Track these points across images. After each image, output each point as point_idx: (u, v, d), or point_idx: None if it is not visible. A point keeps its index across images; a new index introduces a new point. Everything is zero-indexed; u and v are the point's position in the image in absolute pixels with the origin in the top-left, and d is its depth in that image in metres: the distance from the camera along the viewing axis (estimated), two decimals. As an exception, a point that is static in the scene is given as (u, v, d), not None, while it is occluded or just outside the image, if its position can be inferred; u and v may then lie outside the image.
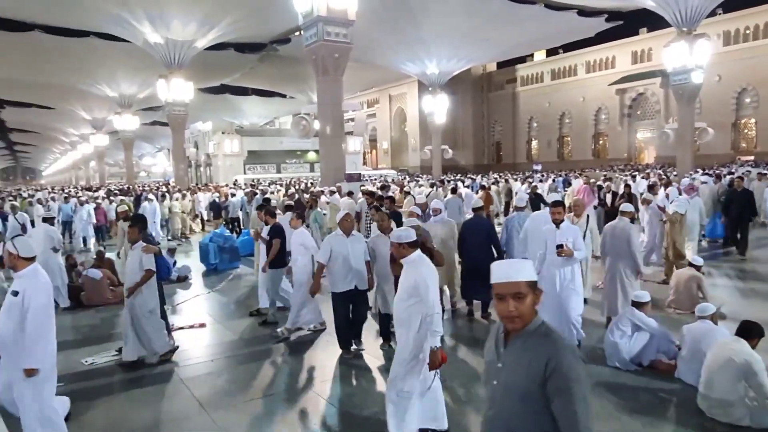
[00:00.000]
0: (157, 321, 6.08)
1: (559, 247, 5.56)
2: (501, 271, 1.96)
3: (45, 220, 9.32)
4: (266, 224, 7.58)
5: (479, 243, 7.05)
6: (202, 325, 7.63)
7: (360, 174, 20.57)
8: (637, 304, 5.50)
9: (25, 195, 26.76)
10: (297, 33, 29.22)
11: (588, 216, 7.81)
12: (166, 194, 19.46)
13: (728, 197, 11.29)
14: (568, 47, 46.52)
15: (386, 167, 59.18)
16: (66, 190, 32.23)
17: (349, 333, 6.05)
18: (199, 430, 4.58)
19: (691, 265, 7.45)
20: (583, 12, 29.79)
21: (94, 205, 16.83)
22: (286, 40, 31.64)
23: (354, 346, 6.09)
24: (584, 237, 7.01)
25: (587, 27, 32.69)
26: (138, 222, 6.28)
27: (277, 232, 7.30)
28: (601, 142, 53.77)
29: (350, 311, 6.03)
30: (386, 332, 6.22)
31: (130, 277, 5.94)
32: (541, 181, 23.41)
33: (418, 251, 4.22)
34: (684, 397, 4.68)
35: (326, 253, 5.85)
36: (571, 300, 5.68)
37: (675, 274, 7.61)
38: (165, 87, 27.56)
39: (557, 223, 5.77)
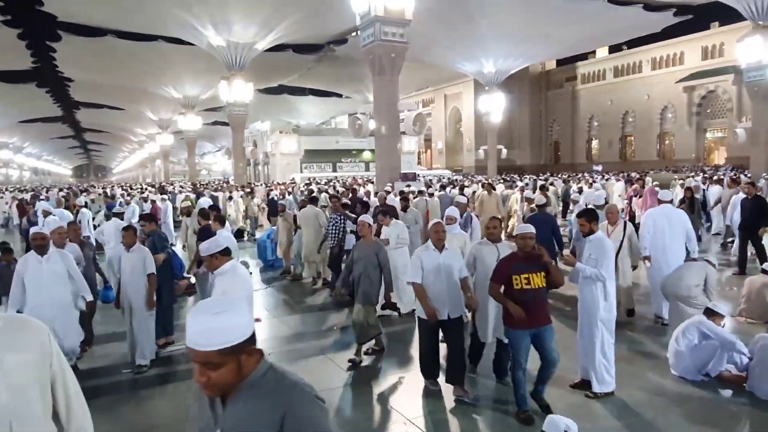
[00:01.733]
0: (151, 325, 6.03)
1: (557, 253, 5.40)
2: (191, 331, 1.50)
3: (116, 214, 9.82)
4: None
5: (543, 237, 7.03)
6: (258, 320, 7.84)
7: (415, 173, 20.54)
8: (710, 313, 5.20)
9: (100, 191, 28.28)
10: (354, 33, 29.59)
11: (626, 224, 7.08)
12: (234, 192, 19.92)
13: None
14: (633, 43, 44.75)
15: (441, 167, 58.87)
16: (132, 188, 33.89)
17: (436, 363, 5.07)
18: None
19: (763, 271, 7.01)
20: (650, 6, 28.56)
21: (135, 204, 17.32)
22: (343, 40, 32.04)
23: (457, 394, 4.81)
24: (620, 249, 6.59)
25: (653, 22, 31.31)
26: (143, 224, 6.57)
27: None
28: (666, 142, 51.43)
29: (440, 340, 5.05)
30: (476, 358, 5.44)
31: (131, 281, 5.83)
32: (595, 181, 22.61)
33: (232, 261, 4.11)
34: (755, 412, 4.41)
35: (418, 271, 4.86)
36: (593, 333, 4.76)
37: (747, 282, 7.17)
38: (226, 88, 28.50)
39: (585, 235, 4.94)
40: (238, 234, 14.96)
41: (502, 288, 4.35)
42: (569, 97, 59.10)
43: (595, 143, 58.37)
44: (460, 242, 6.39)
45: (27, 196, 23.43)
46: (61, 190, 27.43)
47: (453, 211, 6.82)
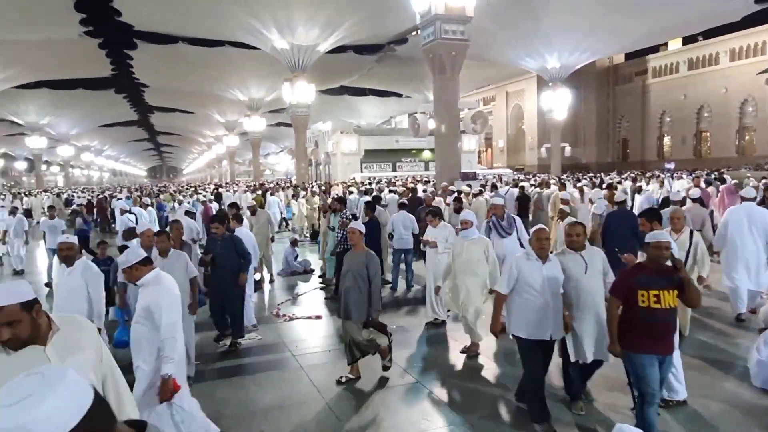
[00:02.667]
0: (192, 327, 5.70)
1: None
2: None
3: (187, 213, 10.28)
4: (366, 217, 9.02)
5: (624, 234, 6.98)
6: (318, 317, 8.02)
7: (475, 173, 20.31)
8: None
9: (172, 191, 29.74)
10: (414, 33, 29.56)
11: (692, 233, 6.15)
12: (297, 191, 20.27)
13: None
14: (709, 33, 42.18)
15: (501, 166, 57.82)
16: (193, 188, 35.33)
17: (543, 401, 4.34)
18: (317, 415, 4.82)
19: None
20: (729, -7, 26.89)
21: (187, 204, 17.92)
22: (404, 40, 32.07)
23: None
24: (687, 257, 5.81)
25: (732, 11, 29.41)
26: (171, 231, 6.19)
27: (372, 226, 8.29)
28: (747, 137, 48.19)
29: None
30: (578, 389, 4.66)
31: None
32: (671, 178, 21.48)
33: (156, 270, 3.87)
34: None
35: (510, 281, 4.31)
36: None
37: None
38: (289, 90, 29.20)
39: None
40: (314, 235, 15.02)
41: (620, 307, 3.79)
42: (639, 91, 56.50)
43: (667, 140, 55.53)
44: (480, 248, 6.02)
45: (87, 196, 24.97)
46: (137, 189, 29.01)
47: (469, 215, 6.28)
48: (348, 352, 5.40)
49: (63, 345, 2.14)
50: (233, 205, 9.56)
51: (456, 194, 12.27)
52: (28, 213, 20.02)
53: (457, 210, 9.49)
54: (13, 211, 13.57)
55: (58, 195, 32.85)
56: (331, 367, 5.94)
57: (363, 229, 5.59)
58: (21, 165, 78.27)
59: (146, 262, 3.86)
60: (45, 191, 37.24)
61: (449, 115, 19.13)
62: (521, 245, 6.91)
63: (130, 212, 12.48)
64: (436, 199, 12.41)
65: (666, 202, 10.64)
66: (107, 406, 1.16)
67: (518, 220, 7.33)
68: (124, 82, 40.25)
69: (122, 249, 6.94)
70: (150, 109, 52.58)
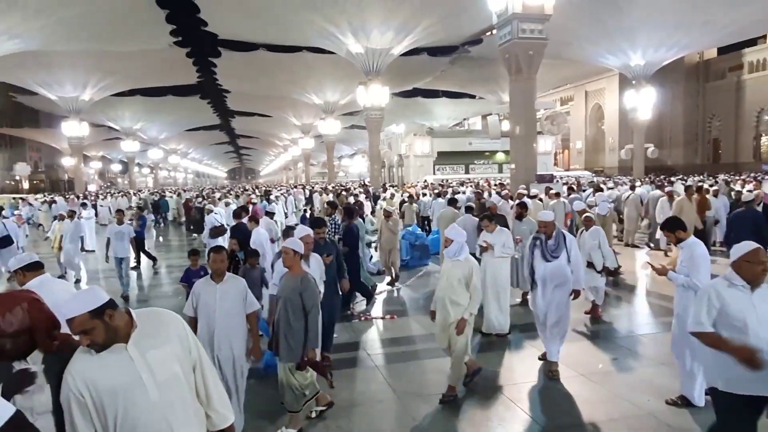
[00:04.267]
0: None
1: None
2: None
3: (267, 213, 10.64)
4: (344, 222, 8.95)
5: (747, 234, 6.45)
6: (392, 317, 8.07)
7: (552, 175, 19.64)
8: None
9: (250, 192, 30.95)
10: (489, 33, 29.15)
11: None
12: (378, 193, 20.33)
13: None
14: (816, 24, 38.61)
15: (579, 168, 55.76)
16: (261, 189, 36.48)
17: None
18: (392, 414, 4.86)
19: None
20: (840, -21, 24.50)
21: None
22: (478, 40, 31.69)
23: None
24: None
25: (844, -3, 26.79)
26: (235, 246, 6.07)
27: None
28: None
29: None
30: None
31: (224, 322, 4.21)
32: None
33: (42, 276, 3.45)
34: None
35: (709, 317, 3.27)
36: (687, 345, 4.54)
37: None
38: (364, 93, 29.61)
39: (675, 244, 4.75)
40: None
41: None
42: (733, 88, 52.63)
43: (764, 140, 51.40)
44: (462, 271, 5.01)
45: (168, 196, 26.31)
46: (222, 189, 30.29)
47: (452, 231, 5.17)
48: (289, 401, 4.44)
49: (145, 341, 2.22)
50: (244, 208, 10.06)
51: (524, 198, 11.91)
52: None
53: (519, 216, 8.72)
54: (71, 215, 12.60)
55: (159, 195, 34.83)
56: (405, 367, 5.98)
57: (300, 247, 4.49)
58: (116, 167, 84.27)
59: (33, 268, 3.50)
60: (124, 193, 39.32)
61: (525, 116, 18.66)
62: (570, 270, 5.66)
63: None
64: (508, 202, 12.11)
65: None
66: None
67: (570, 238, 5.79)
68: (209, 88, 42.46)
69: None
70: (231, 114, 55.08)
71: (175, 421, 2.22)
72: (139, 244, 12.39)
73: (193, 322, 4.23)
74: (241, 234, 8.20)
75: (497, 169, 44.49)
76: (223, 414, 2.48)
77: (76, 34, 26.41)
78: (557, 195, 12.90)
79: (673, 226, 4.72)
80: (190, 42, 31.19)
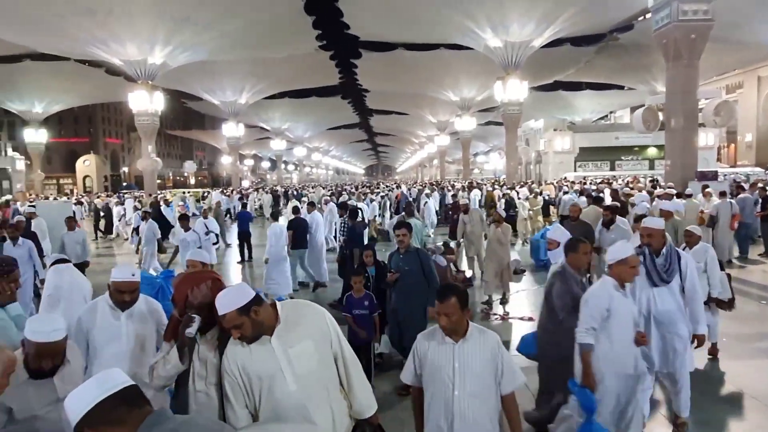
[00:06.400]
0: None
1: None
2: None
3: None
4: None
5: None
6: (531, 319, 7.81)
7: (716, 172, 17.60)
8: None
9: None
10: (641, 18, 26.89)
11: None
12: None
13: None
14: None
15: (748, 164, 49.31)
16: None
17: None
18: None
19: None
20: None
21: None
22: (628, 26, 29.34)
23: None
24: None
25: None
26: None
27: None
28: None
29: None
30: None
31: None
32: None
33: None
34: None
35: None
36: None
37: None
38: (501, 88, 28.95)
39: None
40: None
41: None
42: None
43: None
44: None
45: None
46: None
47: (558, 232, 4.81)
48: None
49: (287, 335, 2.33)
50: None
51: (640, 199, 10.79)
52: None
53: (608, 224, 7.21)
54: (144, 217, 12.35)
55: (286, 192, 37.30)
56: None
57: (208, 259, 4.22)
58: (266, 164, 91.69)
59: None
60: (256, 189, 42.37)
61: (685, 106, 16.92)
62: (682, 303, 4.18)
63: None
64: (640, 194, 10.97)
65: None
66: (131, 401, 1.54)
67: (686, 258, 4.26)
68: (349, 88, 44.38)
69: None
70: (370, 112, 57.06)
71: (313, 410, 2.32)
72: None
73: (416, 394, 2.97)
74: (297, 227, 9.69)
75: (647, 166, 41.06)
76: (366, 403, 2.55)
77: (237, 44, 29.09)
78: (722, 194, 11.51)
79: None
80: (334, 45, 32.83)
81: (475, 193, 22.11)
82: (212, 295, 2.39)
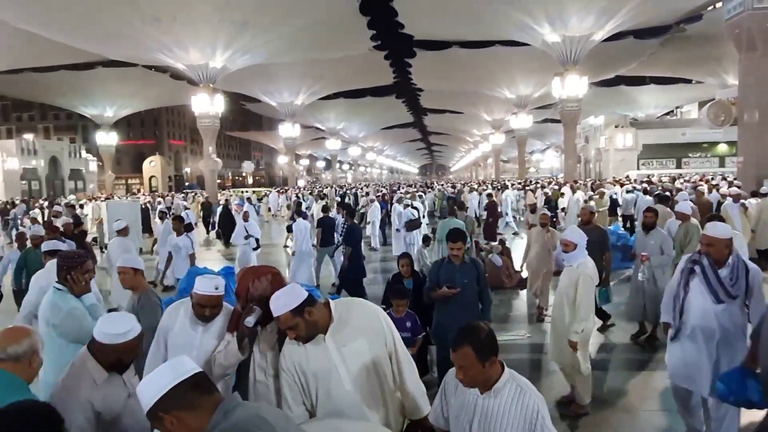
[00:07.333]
0: None
1: None
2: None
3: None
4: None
5: None
6: (612, 325, 7.54)
7: (793, 169, 16.49)
8: None
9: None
10: (711, 7, 25.57)
11: None
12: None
13: None
14: None
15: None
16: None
17: None
18: (591, 425, 4.54)
19: None
20: None
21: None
22: (697, 17, 27.92)
23: None
24: None
25: None
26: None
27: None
28: None
29: None
30: None
31: None
32: None
33: None
34: None
35: None
36: None
37: None
38: (559, 85, 28.17)
39: None
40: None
41: None
42: None
43: None
44: (569, 281, 4.44)
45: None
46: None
47: (575, 233, 4.61)
48: None
49: (341, 334, 2.36)
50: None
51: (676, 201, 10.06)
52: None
53: (648, 227, 6.52)
54: (161, 216, 12.02)
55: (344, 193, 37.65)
56: (604, 375, 5.56)
57: (140, 265, 3.95)
58: (321, 164, 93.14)
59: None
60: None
61: (761, 100, 15.93)
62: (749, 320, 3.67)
63: (412, 206, 13.42)
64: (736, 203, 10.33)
65: None
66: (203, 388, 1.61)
67: (755, 271, 3.68)
68: (403, 87, 44.40)
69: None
70: (424, 111, 56.91)
71: (367, 407, 2.34)
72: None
73: None
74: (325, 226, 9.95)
75: (717, 163, 38.95)
76: (418, 403, 2.54)
77: (293, 46, 29.68)
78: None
79: None
80: (388, 45, 32.94)
81: (507, 194, 21.43)
82: (272, 289, 2.45)
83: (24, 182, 46.44)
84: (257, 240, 10.41)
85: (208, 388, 1.62)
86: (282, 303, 2.29)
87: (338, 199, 23.51)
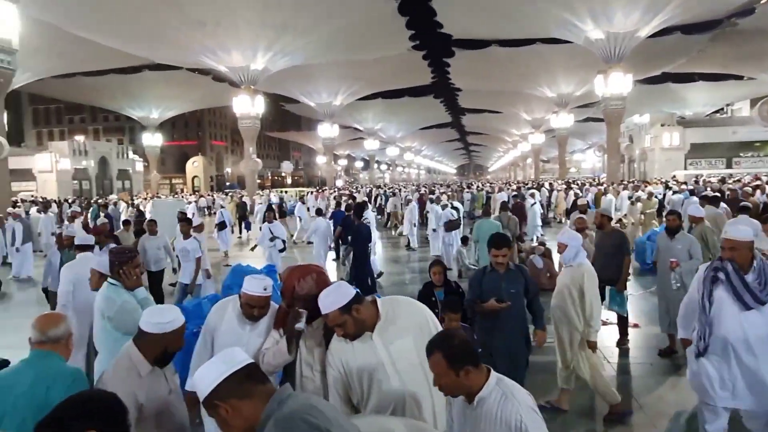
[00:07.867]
0: None
1: None
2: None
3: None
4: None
5: None
6: (636, 326, 7.38)
7: None
8: None
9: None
10: (764, 0, 24.58)
11: None
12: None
13: None
14: None
15: None
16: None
17: None
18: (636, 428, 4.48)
19: None
20: None
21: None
22: (749, 10, 26.83)
23: None
24: None
25: None
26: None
27: None
28: None
29: None
30: None
31: None
32: None
33: None
34: None
35: None
36: None
37: None
38: (602, 82, 27.56)
39: None
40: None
41: None
42: None
43: None
44: (573, 278, 4.43)
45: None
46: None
47: (567, 235, 4.67)
48: None
49: (388, 331, 2.39)
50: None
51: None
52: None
53: (672, 232, 6.12)
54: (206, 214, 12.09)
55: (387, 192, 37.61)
56: (650, 380, 5.47)
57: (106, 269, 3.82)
58: (359, 164, 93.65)
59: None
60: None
61: (817, 96, 15.21)
62: None
63: (452, 206, 13.22)
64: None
65: None
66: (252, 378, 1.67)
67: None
68: (442, 87, 44.25)
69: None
70: (462, 111, 56.56)
71: (415, 403, 2.36)
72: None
73: None
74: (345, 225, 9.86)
75: (770, 163, 37.32)
76: None
77: (332, 47, 29.99)
78: None
79: None
80: (426, 45, 32.88)
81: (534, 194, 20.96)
82: (317, 288, 2.50)
83: (75, 182, 48.41)
84: (284, 241, 10.14)
85: (261, 378, 1.69)
86: (331, 301, 2.33)
87: (363, 198, 23.33)
